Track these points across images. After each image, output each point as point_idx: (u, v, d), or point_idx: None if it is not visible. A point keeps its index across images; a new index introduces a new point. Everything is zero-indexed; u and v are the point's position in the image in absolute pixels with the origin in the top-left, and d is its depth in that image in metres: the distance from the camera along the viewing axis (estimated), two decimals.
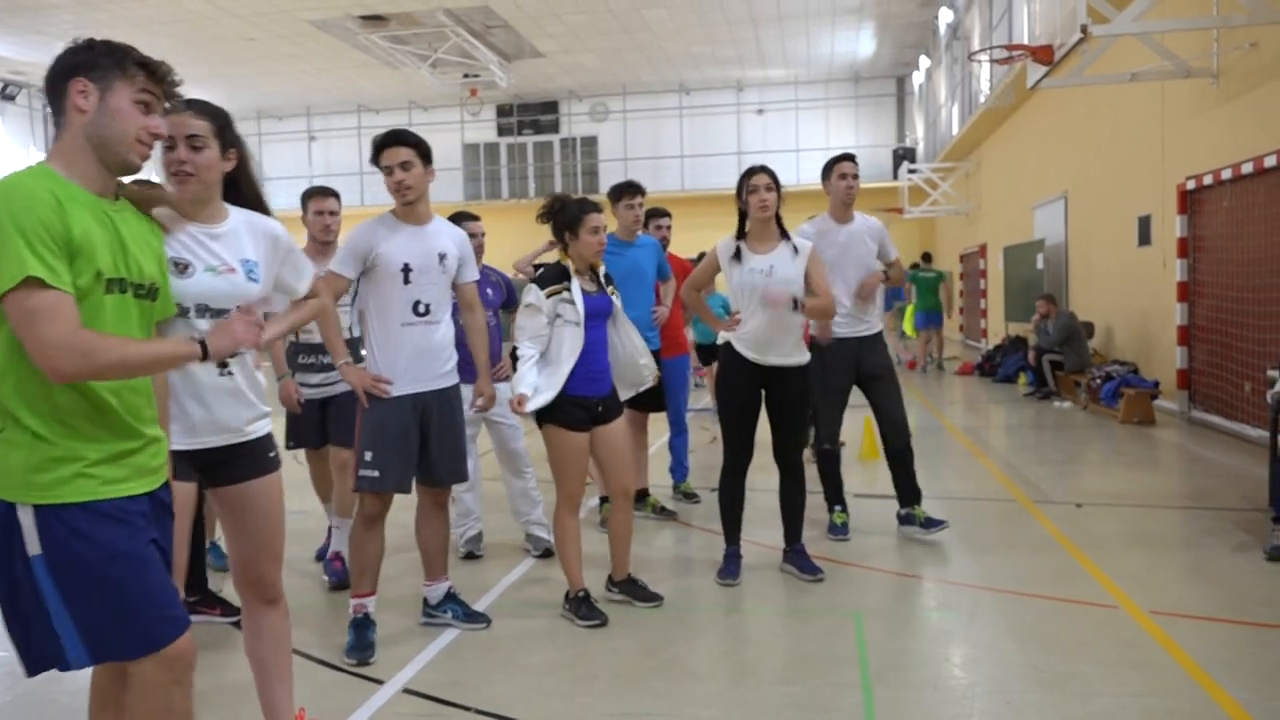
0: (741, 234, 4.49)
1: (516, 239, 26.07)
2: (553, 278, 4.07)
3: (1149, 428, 8.72)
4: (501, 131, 27.39)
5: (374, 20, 19.35)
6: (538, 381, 3.97)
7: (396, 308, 3.69)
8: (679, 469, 6.37)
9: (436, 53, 20.76)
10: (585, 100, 26.63)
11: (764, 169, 4.48)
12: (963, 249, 21.13)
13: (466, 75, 22.16)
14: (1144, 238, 10.09)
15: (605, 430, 4.16)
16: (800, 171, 25.19)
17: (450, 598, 4.04)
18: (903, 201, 20.83)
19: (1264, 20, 7.04)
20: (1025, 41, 12.31)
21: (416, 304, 3.71)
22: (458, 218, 4.90)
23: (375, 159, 3.78)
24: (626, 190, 5.81)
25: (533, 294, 4.04)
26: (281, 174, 27.37)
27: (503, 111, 27.14)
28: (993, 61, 10.62)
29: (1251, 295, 7.80)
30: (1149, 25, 7.95)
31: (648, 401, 5.87)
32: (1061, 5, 7.73)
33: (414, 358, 3.72)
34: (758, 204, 4.39)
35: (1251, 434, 7.72)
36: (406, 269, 3.68)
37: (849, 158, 5.31)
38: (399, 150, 3.73)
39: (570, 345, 4.01)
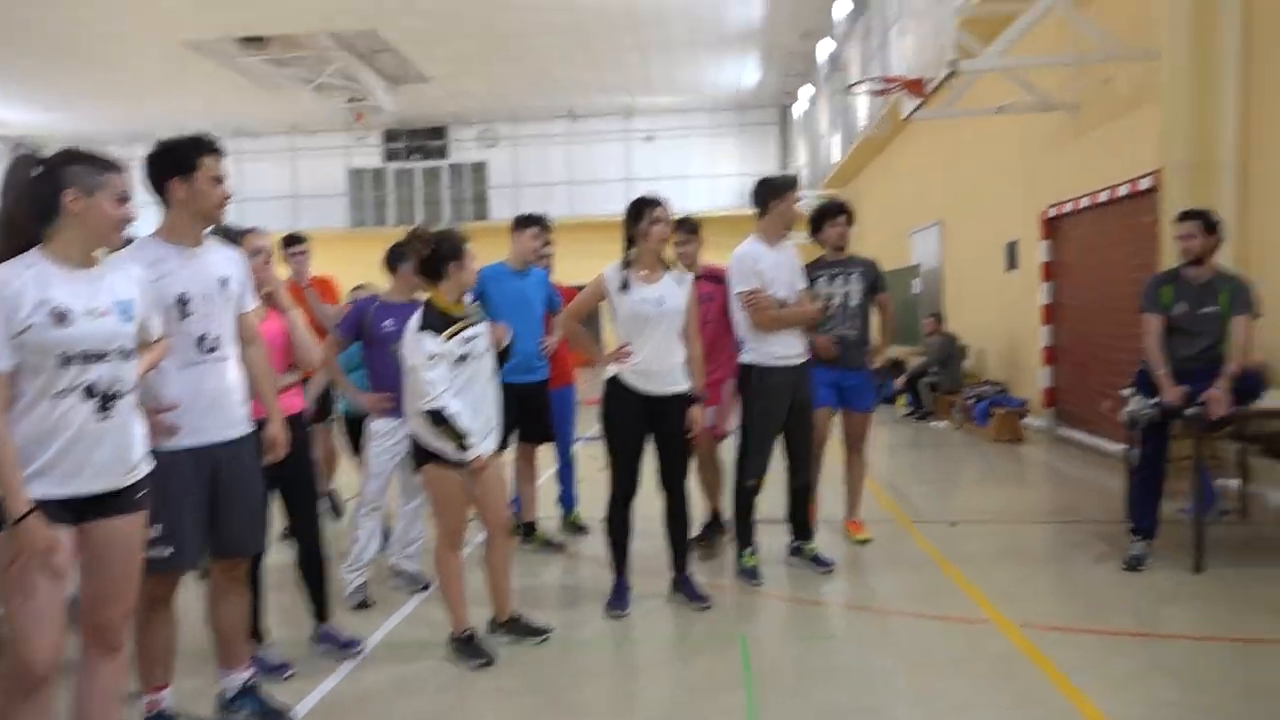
0: (627, 262, 4.50)
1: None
2: (440, 320, 3.89)
3: (1018, 445, 9.12)
4: (389, 157, 26.96)
5: (254, 42, 18.83)
6: (470, 427, 3.85)
7: (177, 345, 3.07)
8: (567, 500, 6.34)
9: (320, 76, 20.32)
10: (474, 126, 26.47)
11: (661, 202, 4.46)
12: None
13: (352, 99, 21.75)
14: (1012, 263, 10.59)
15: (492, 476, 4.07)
16: (688, 197, 25.59)
17: (247, 691, 3.44)
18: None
19: (1118, 57, 7.50)
20: (900, 74, 12.82)
21: (201, 339, 3.14)
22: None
23: (186, 163, 3.10)
24: (533, 221, 5.84)
25: (429, 342, 3.81)
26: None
27: (390, 137, 26.73)
28: (870, 93, 11.00)
29: (1108, 316, 8.26)
30: (1012, 61, 8.38)
31: (536, 432, 5.86)
32: (933, 41, 8.07)
33: (198, 402, 3.12)
34: (659, 235, 4.42)
35: (1110, 449, 8.13)
36: (183, 300, 3.10)
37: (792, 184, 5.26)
38: (222, 162, 3.19)
39: (483, 390, 3.97)
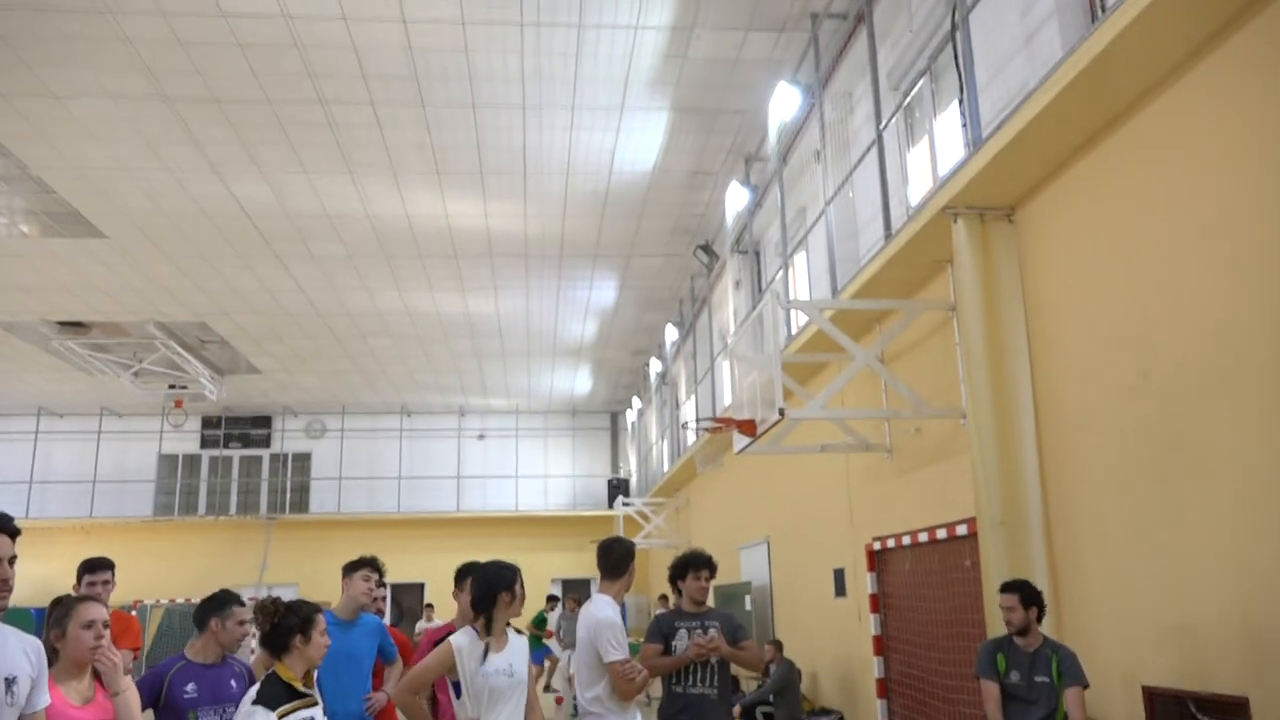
0: (490, 629, 4.24)
1: (210, 560, 23.93)
2: (281, 694, 3.60)
3: None
4: (205, 443, 25.84)
5: (74, 326, 18.21)
6: None
7: None
8: None
9: (141, 362, 19.69)
10: (301, 416, 25.96)
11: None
12: (666, 592, 21.76)
13: (173, 385, 21.06)
14: (840, 589, 10.82)
15: None
16: (520, 497, 25.51)
17: None
18: (618, 532, 21.40)
19: (924, 414, 8.18)
20: (727, 397, 13.58)
21: None
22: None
23: None
24: (363, 563, 5.54)
25: (256, 716, 3.51)
26: None
27: (209, 423, 25.78)
28: (704, 430, 11.51)
29: (937, 654, 8.42)
30: (834, 412, 9.04)
31: None
32: (761, 390, 8.61)
33: None
34: (520, 604, 4.29)
35: None
36: None
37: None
38: (7, 541, 2.85)
39: None
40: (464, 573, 5.27)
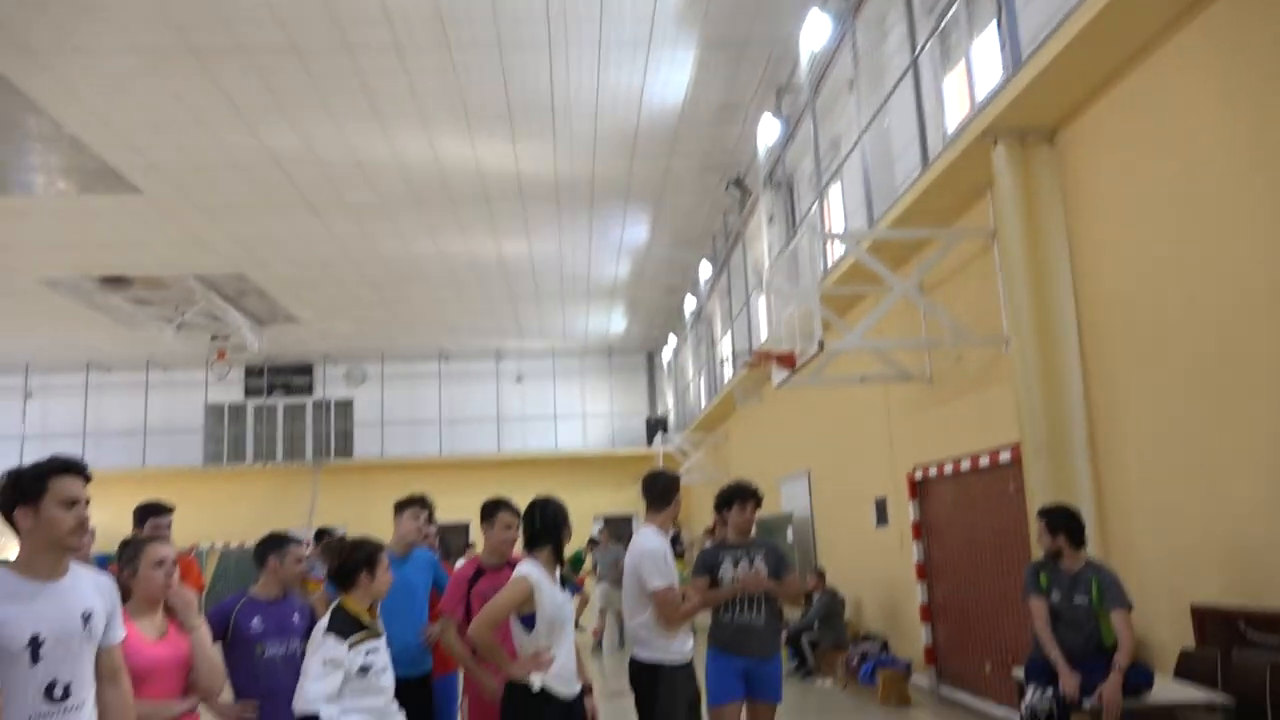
0: (560, 560, 4.36)
1: (260, 505, 24.54)
2: (350, 624, 3.80)
3: (906, 708, 9.03)
4: (249, 393, 26.28)
5: (116, 282, 18.49)
6: None
7: (20, 696, 2.73)
8: None
9: (183, 315, 19.99)
10: (341, 364, 26.29)
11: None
12: (712, 522, 21.96)
13: (214, 337, 21.40)
14: (881, 518, 10.90)
15: None
16: (559, 437, 25.77)
17: None
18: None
19: (964, 342, 8.14)
20: (764, 332, 13.57)
21: (51, 686, 2.79)
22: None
23: (31, 489, 2.87)
24: (412, 501, 5.66)
25: (330, 646, 3.70)
26: None
27: (252, 373, 26.19)
28: (744, 365, 11.53)
29: (981, 579, 8.50)
30: (872, 342, 9.01)
31: None
32: (799, 322, 8.60)
33: None
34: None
35: (996, 713, 8.15)
36: (36, 642, 2.77)
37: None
38: (80, 483, 2.94)
39: (386, 701, 3.83)
40: (491, 509, 5.33)
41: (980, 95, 8.02)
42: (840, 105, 11.41)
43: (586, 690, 4.41)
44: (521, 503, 4.69)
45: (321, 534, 8.32)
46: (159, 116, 11.80)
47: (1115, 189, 6.34)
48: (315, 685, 3.68)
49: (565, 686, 4.21)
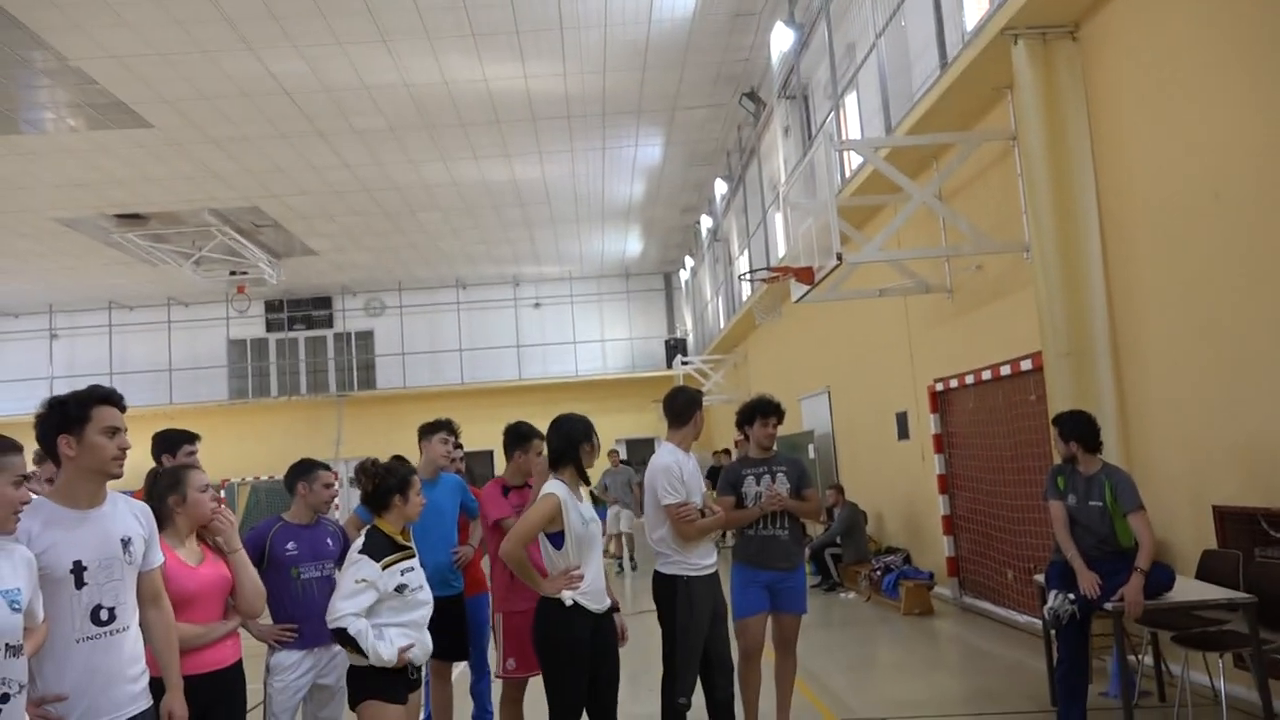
0: (585, 478, 4.36)
1: (287, 438, 24.85)
2: (384, 545, 3.88)
3: (929, 618, 9.14)
4: (270, 327, 26.46)
5: (131, 219, 18.50)
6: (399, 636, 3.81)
7: (67, 620, 2.83)
8: (483, 717, 5.95)
9: (201, 251, 20.01)
10: (360, 295, 26.36)
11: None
12: (737, 437, 22.08)
13: (233, 273, 21.44)
14: (903, 432, 10.90)
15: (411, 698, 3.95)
16: (579, 362, 25.86)
17: None
18: None
19: (985, 250, 8.01)
20: (781, 249, 13.44)
21: (96, 610, 2.89)
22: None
23: (75, 417, 2.94)
24: (439, 426, 5.69)
25: (366, 567, 3.78)
26: (17, 375, 24.97)
27: (272, 307, 26.32)
28: (761, 280, 11.43)
29: (1003, 489, 8.51)
30: (891, 254, 8.89)
31: (451, 649, 5.55)
32: (816, 231, 8.48)
33: (93, 682, 2.85)
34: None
35: (1019, 620, 8.24)
36: (79, 568, 2.87)
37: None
38: (119, 414, 3.04)
39: (425, 609, 3.93)
40: (512, 434, 5.36)
41: None
42: (855, 8, 11.07)
43: (615, 608, 4.46)
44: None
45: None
46: (164, 46, 11.64)
47: (1139, 85, 6.14)
48: (346, 602, 3.76)
49: (595, 603, 4.25)
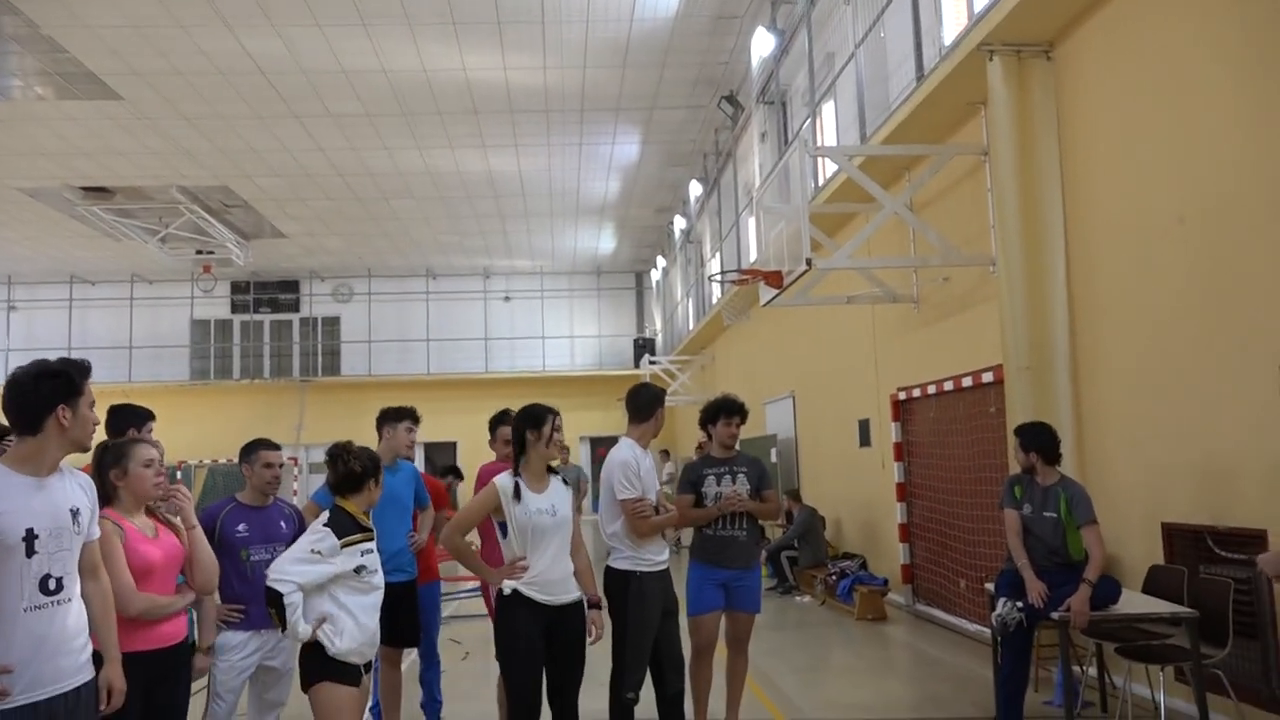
0: (518, 470, 4.37)
1: (247, 422, 24.55)
2: (349, 524, 3.90)
3: (882, 624, 9.24)
4: (236, 308, 26.16)
5: (97, 192, 18.21)
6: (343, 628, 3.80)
7: (16, 587, 2.81)
8: (431, 705, 5.95)
9: (167, 228, 19.73)
10: (328, 281, 26.13)
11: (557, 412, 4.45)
12: (702, 438, 22.15)
13: (200, 252, 21.14)
14: (864, 439, 11.00)
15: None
16: (547, 358, 25.81)
17: None
18: None
19: (953, 262, 8.11)
20: (753, 252, 13.50)
21: (45, 579, 2.88)
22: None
23: (73, 388, 2.96)
24: (405, 414, 5.69)
25: (323, 537, 3.80)
26: None
27: (238, 288, 26.02)
28: (730, 283, 11.48)
29: (959, 499, 8.62)
30: (861, 261, 8.98)
31: (402, 635, 5.53)
32: (788, 242, 8.54)
33: (39, 652, 2.83)
34: (558, 444, 4.40)
35: (969, 628, 8.35)
36: (31, 536, 2.84)
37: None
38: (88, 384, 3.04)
39: (378, 594, 3.93)
40: (497, 422, 5.48)
41: (979, 7, 7.84)
42: (836, 18, 11.16)
43: (593, 604, 4.47)
44: None
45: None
46: (138, 18, 11.47)
47: (1111, 105, 6.25)
48: (293, 566, 3.75)
49: (545, 594, 4.23)
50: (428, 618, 5.83)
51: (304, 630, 3.75)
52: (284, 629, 3.78)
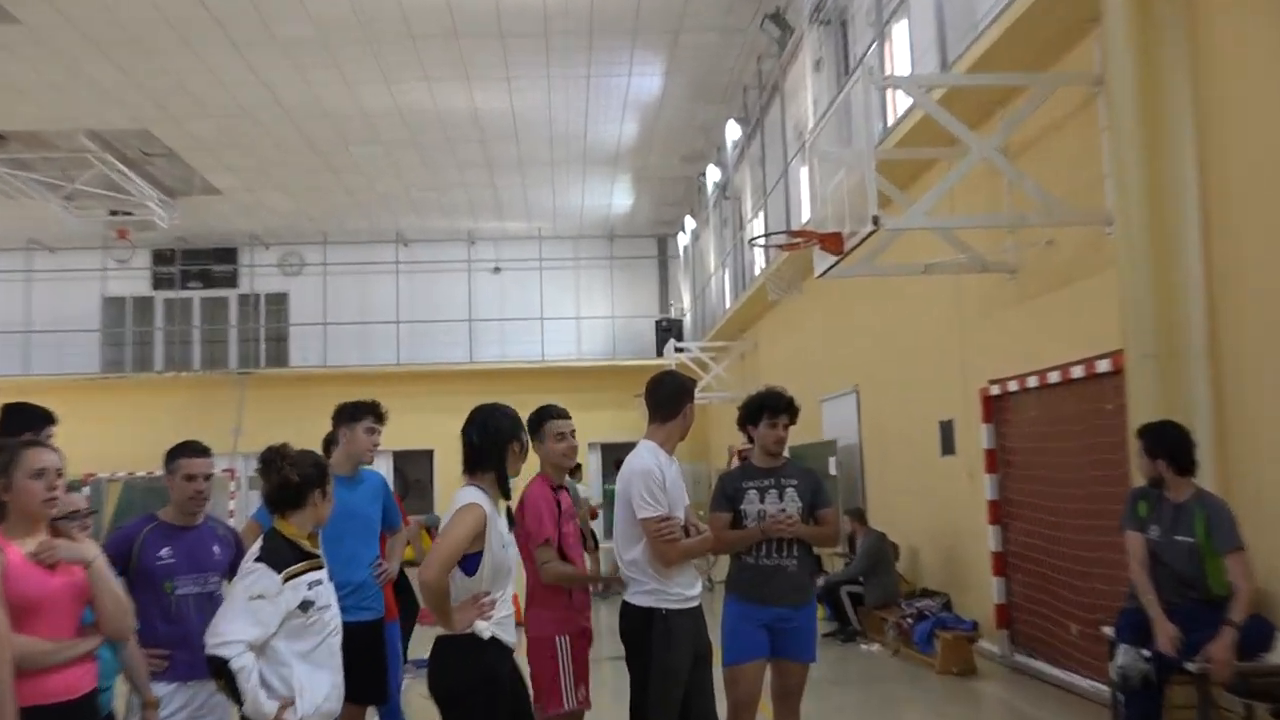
0: (506, 492, 4.39)
1: (173, 424, 24.75)
2: (287, 553, 3.88)
3: (970, 679, 9.24)
4: (158, 283, 26.41)
5: None
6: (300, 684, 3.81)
7: None
8: None
9: (74, 183, 19.92)
10: (273, 248, 26.30)
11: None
12: (740, 444, 22.18)
13: (114, 212, 21.34)
14: (948, 446, 10.98)
15: None
16: (546, 344, 25.85)
17: None
18: None
19: (1058, 221, 8.08)
20: (805, 210, 13.50)
21: None
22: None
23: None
24: (366, 409, 5.72)
25: (263, 578, 3.77)
26: None
27: (161, 258, 26.25)
28: (776, 248, 11.49)
29: (1069, 520, 8.59)
30: (942, 221, 8.95)
31: (368, 690, 5.58)
32: (849, 196, 8.53)
33: None
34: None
35: (1083, 685, 8.33)
36: None
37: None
38: None
39: (335, 636, 3.99)
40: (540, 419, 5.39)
41: None
42: None
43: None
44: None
45: None
46: None
47: (1258, 22, 6.20)
48: (232, 624, 3.73)
49: (508, 635, 4.31)
50: (391, 666, 5.89)
51: (268, 706, 3.72)
52: (240, 704, 3.74)
